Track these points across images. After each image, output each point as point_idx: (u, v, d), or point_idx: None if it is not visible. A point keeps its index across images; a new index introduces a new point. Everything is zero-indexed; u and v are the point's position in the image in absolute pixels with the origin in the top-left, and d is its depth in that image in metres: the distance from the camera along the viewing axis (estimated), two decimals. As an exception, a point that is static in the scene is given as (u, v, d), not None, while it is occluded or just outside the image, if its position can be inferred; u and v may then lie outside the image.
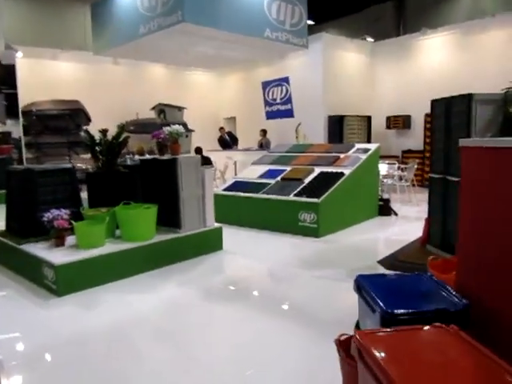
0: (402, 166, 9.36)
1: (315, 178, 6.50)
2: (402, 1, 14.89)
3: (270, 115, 13.39)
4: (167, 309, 3.65)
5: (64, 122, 10.32)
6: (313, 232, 5.92)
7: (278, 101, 13.05)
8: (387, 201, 7.40)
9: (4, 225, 5.23)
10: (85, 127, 10.87)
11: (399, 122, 11.90)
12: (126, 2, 7.98)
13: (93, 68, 12.60)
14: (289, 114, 12.74)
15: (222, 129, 13.37)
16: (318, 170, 6.75)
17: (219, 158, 11.64)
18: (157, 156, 5.16)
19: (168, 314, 3.54)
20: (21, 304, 3.83)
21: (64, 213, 4.55)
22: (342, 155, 7.10)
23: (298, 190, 6.29)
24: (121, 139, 5.22)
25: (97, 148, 5.16)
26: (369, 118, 12.28)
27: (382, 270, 4.51)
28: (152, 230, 4.70)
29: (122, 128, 5.33)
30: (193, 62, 10.40)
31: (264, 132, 12.70)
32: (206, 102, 14.77)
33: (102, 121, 10.45)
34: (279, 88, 12.98)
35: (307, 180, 6.55)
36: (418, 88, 11.62)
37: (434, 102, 4.91)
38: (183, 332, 3.21)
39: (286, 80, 12.66)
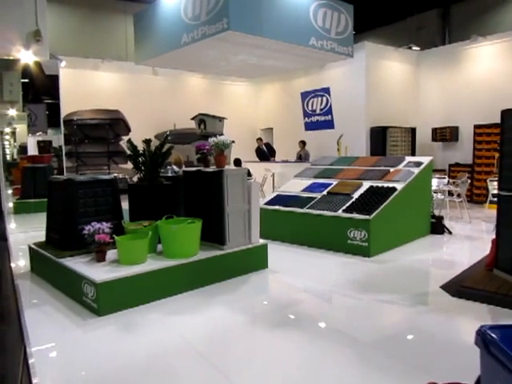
0: (453, 180, 8.81)
1: (365, 193, 6.11)
2: (447, 9, 14.36)
3: (310, 126, 13.08)
4: (212, 335, 3.35)
5: (104, 131, 10.32)
6: (363, 251, 5.52)
7: (318, 111, 12.73)
8: (440, 218, 6.90)
9: (44, 236, 5.10)
10: (125, 137, 10.87)
11: (446, 134, 11.33)
12: (168, 11, 7.88)
13: (132, 78, 12.66)
14: (329, 125, 12.39)
15: (259, 140, 13.14)
16: (366, 185, 6.36)
17: (257, 169, 11.39)
18: (201, 168, 4.91)
19: (214, 341, 3.23)
20: (59, 322, 3.61)
21: (106, 226, 4.35)
22: (392, 169, 6.69)
23: (347, 205, 5.91)
24: (164, 150, 5.01)
25: (139, 159, 4.97)
26: (413, 130, 11.76)
27: (446, 297, 4.08)
28: (196, 246, 4.43)
29: (166, 138, 5.12)
30: (232, 72, 10.21)
31: (303, 143, 12.37)
32: (242, 113, 14.61)
33: (141, 131, 10.44)
34: (319, 98, 12.67)
35: (356, 195, 6.17)
36: (466, 98, 11.07)
37: (506, 113, 4.45)
38: (231, 363, 2.89)
39: (326, 90, 12.35)
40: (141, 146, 5.01)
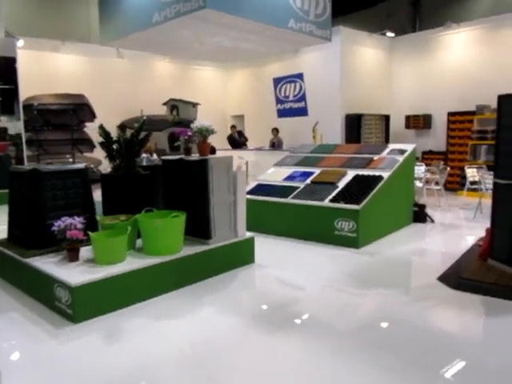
0: (429, 167, 8.77)
1: (350, 182, 5.88)
2: (418, -4, 14.33)
3: (282, 113, 12.80)
4: (202, 340, 3.02)
5: (67, 117, 9.61)
6: (351, 242, 5.31)
7: (291, 98, 12.47)
8: (423, 206, 6.80)
9: (5, 232, 4.58)
10: (89, 123, 10.22)
11: (419, 122, 11.31)
12: (137, -12, 7.31)
13: (96, 61, 11.91)
14: (302, 111, 12.15)
15: (233, 127, 12.73)
16: (351, 173, 6.14)
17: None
18: (183, 156, 4.51)
19: (204, 347, 2.90)
20: (28, 332, 3.18)
21: (78, 221, 3.90)
22: (375, 157, 6.49)
23: (333, 195, 5.67)
24: (141, 136, 4.58)
25: (113, 146, 4.52)
26: (387, 117, 11.68)
27: (445, 289, 3.91)
28: (180, 241, 4.06)
29: (142, 124, 4.68)
30: (205, 55, 9.72)
31: (276, 131, 12.08)
32: (212, 99, 14.11)
33: (106, 117, 9.79)
34: (292, 85, 12.40)
35: (341, 184, 5.93)
36: (439, 86, 11.05)
37: (504, 98, 4.28)
38: (225, 372, 2.58)
39: (299, 76, 12.08)
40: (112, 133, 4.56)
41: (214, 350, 2.88)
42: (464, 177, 9.24)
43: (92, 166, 10.28)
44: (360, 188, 5.64)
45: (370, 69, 11.70)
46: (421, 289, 3.99)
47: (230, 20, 6.65)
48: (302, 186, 6.18)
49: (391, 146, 6.78)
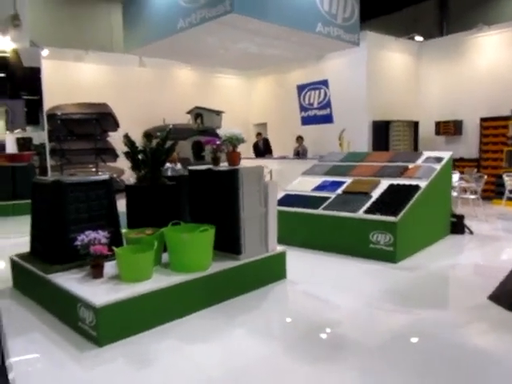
0: (464, 175, 8.36)
1: (385, 192, 5.57)
2: (445, 0, 13.93)
3: (306, 121, 12.52)
4: (235, 366, 2.76)
5: (91, 126, 9.55)
6: (388, 256, 4.98)
7: (316, 105, 12.18)
8: (461, 217, 6.42)
9: (28, 245, 4.42)
10: (113, 133, 10.14)
11: (450, 128, 10.90)
12: (161, -5, 7.20)
13: (118, 70, 11.91)
14: (327, 119, 11.85)
15: (259, 134, 12.49)
16: (385, 182, 5.82)
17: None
18: (211, 166, 4.29)
19: (237, 375, 2.64)
20: (50, 355, 2.97)
21: (102, 235, 3.70)
22: (410, 165, 6.16)
23: (367, 205, 5.36)
24: (167, 146, 4.38)
25: (139, 156, 4.32)
26: (416, 124, 11.30)
27: (500, 310, 3.56)
28: (209, 257, 3.82)
29: (168, 133, 4.48)
30: (229, 62, 9.56)
31: (301, 139, 11.80)
32: (235, 108, 13.95)
33: (128, 126, 9.69)
34: (316, 92, 12.12)
35: (375, 194, 5.62)
36: (470, 90, 10.65)
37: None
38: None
39: (324, 83, 11.79)
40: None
41: (248, 379, 2.61)
42: (500, 185, 8.80)
43: (115, 175, 10.18)
44: (396, 198, 5.32)
45: (397, 74, 11.36)
46: (471, 309, 3.64)
47: (256, 25, 6.46)
48: (332, 196, 5.89)
49: (426, 154, 6.44)
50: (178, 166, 9.25)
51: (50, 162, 8.91)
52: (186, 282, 3.55)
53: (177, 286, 3.48)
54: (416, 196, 5.31)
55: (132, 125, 10.27)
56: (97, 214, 4.19)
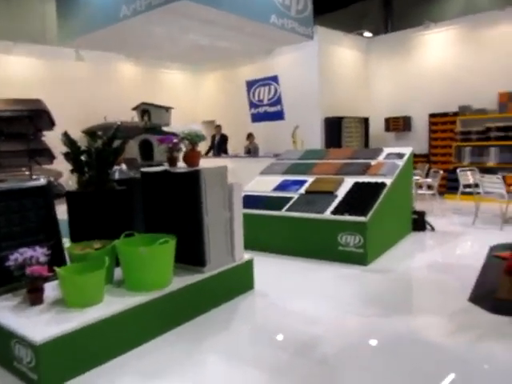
0: (418, 171, 8.37)
1: (351, 191, 5.31)
2: (389, -2, 14.11)
3: (257, 117, 12.13)
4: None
5: (23, 125, 8.59)
6: (358, 258, 4.72)
7: (266, 102, 11.83)
8: (422, 214, 6.32)
9: None
10: (47, 132, 9.22)
11: (399, 124, 10.98)
12: (101, -20, 6.52)
13: (52, 64, 10.92)
14: (278, 116, 11.53)
15: (217, 127, 11.91)
16: (349, 181, 5.57)
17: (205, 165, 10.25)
18: (167, 167, 3.78)
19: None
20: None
21: (40, 253, 3.11)
22: (372, 162, 5.96)
23: (334, 205, 5.07)
24: (115, 145, 3.82)
25: (82, 158, 3.74)
26: (366, 120, 11.28)
27: (482, 313, 3.37)
28: (169, 272, 3.33)
29: (116, 130, 3.92)
30: (176, 55, 8.99)
31: (251, 136, 11.43)
32: (182, 104, 13.24)
33: (64, 125, 8.84)
34: (266, 88, 11.76)
35: (340, 193, 5.35)
36: (418, 87, 10.77)
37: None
38: None
39: (274, 79, 11.45)
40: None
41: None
42: (452, 180, 8.91)
43: (52, 179, 9.28)
44: (363, 197, 5.07)
45: (348, 70, 11.28)
46: (454, 315, 3.42)
47: (207, 14, 5.99)
48: (295, 196, 5.56)
49: (387, 150, 6.27)
50: (123, 166, 8.57)
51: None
52: (145, 303, 3.04)
53: (134, 308, 2.97)
54: (383, 194, 5.09)
55: (69, 123, 9.36)
56: (33, 227, 3.57)
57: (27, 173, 8.65)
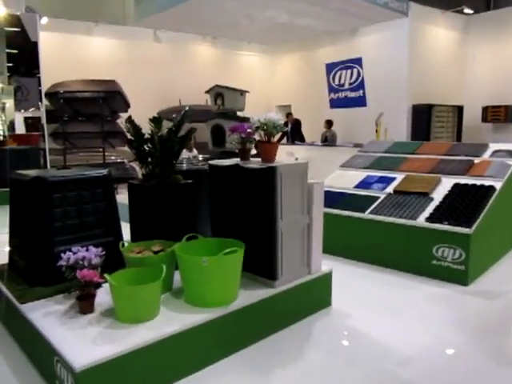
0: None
1: (450, 194, 4.49)
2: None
3: (336, 103, 11.39)
4: None
5: (97, 106, 8.57)
6: (457, 276, 3.95)
7: (347, 86, 11.04)
8: (533, 223, 5.31)
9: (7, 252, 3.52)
10: (123, 114, 9.15)
11: (500, 114, 9.65)
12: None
13: (131, 45, 10.87)
14: (360, 102, 10.71)
15: (289, 115, 11.35)
16: (447, 181, 4.74)
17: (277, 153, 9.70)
18: (238, 161, 3.28)
19: None
20: None
21: (94, 253, 2.76)
22: (476, 160, 5.06)
23: (429, 210, 4.31)
24: (182, 133, 3.38)
25: (144, 147, 3.34)
26: (460, 109, 10.06)
27: None
28: (235, 287, 2.84)
29: (184, 116, 3.48)
30: (253, 35, 8.48)
31: (329, 123, 10.68)
32: (257, 87, 12.76)
33: (140, 107, 8.71)
34: (348, 71, 10.95)
35: (437, 195, 4.55)
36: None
37: None
38: None
39: (358, 61, 10.60)
40: (145, 127, 3.37)
41: None
42: None
43: (126, 160, 9.25)
44: (466, 202, 4.25)
45: (441, 52, 10.10)
46: None
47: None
48: (381, 195, 4.84)
49: (494, 146, 5.31)
50: (195, 152, 8.28)
51: (52, 146, 7.99)
52: (207, 322, 2.58)
53: (195, 328, 2.52)
54: (491, 200, 4.24)
55: (144, 105, 9.31)
56: (91, 221, 3.26)
57: (101, 154, 8.64)
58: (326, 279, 3.44)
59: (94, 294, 2.68)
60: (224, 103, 8.15)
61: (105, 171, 3.38)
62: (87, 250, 2.78)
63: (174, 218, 3.24)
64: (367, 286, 4.04)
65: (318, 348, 2.90)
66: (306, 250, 3.26)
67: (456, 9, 10.00)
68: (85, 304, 2.65)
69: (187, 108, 3.57)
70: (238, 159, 3.33)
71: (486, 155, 5.16)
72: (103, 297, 2.76)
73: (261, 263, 3.09)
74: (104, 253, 2.83)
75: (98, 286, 2.72)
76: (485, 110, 9.86)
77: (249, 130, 3.17)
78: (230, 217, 3.27)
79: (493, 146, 5.33)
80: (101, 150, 8.67)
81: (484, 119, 9.91)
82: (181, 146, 3.35)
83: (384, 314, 3.43)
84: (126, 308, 2.51)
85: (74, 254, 2.75)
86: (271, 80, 13.37)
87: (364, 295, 3.81)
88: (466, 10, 9.98)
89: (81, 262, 2.72)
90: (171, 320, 2.55)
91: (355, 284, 4.06)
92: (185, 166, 4.08)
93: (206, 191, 3.42)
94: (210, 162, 3.43)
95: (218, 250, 2.77)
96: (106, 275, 2.51)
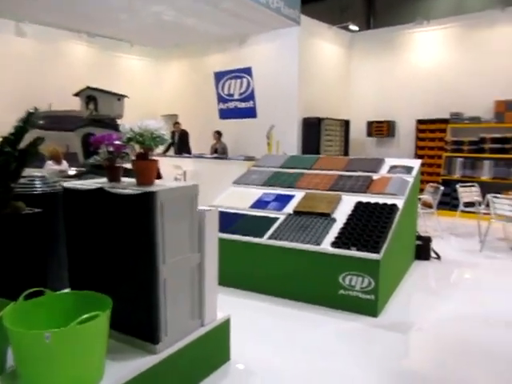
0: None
1: (354, 214, 4.13)
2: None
3: (225, 114, 10.84)
4: None
5: None
6: (367, 307, 3.56)
7: (237, 96, 10.57)
8: (428, 240, 5.26)
9: None
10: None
11: (383, 129, 9.99)
12: None
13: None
14: (250, 113, 10.29)
15: (176, 124, 10.55)
16: (349, 199, 4.41)
17: (162, 167, 8.82)
18: (104, 184, 2.44)
19: None
20: None
21: None
22: (374, 176, 4.84)
23: (334, 234, 3.88)
24: (21, 145, 2.46)
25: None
26: (347, 123, 10.22)
27: None
28: (100, 364, 2.01)
29: (27, 119, 2.56)
30: (134, 33, 7.59)
31: (219, 134, 10.13)
32: (139, 95, 11.72)
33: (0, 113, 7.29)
34: (238, 81, 10.50)
35: (339, 216, 4.17)
36: (407, 90, 9.80)
37: None
38: None
39: (247, 71, 10.18)
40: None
41: None
42: (445, 194, 7.96)
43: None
44: (372, 224, 3.91)
45: (329, 66, 10.17)
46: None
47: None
48: (281, 217, 4.33)
49: (390, 161, 5.17)
50: (64, 165, 7.09)
51: None
52: (48, 432, 1.72)
53: None
54: (396, 220, 3.96)
55: (5, 110, 7.80)
56: None
57: None
58: (223, 329, 2.76)
59: None
60: (97, 108, 7.06)
61: None
62: None
63: (11, 265, 2.30)
64: (269, 326, 3.44)
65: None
66: (197, 297, 2.54)
67: (342, 25, 10.17)
68: None
69: (33, 110, 2.64)
70: (105, 179, 2.51)
71: (384, 171, 4.98)
72: None
73: (137, 322, 2.30)
74: None
75: None
76: (370, 124, 10.14)
77: (117, 142, 2.37)
78: (93, 261, 2.42)
79: (388, 161, 5.19)
80: None
81: (369, 133, 10.18)
82: (21, 163, 2.42)
83: (296, 364, 2.85)
84: None
85: None
86: (157, 87, 12.43)
87: (267, 342, 3.19)
88: (352, 27, 10.22)
89: None
90: None
91: (254, 324, 3.44)
92: (39, 189, 3.11)
93: (60, 223, 2.53)
94: (65, 184, 2.54)
95: (74, 311, 1.94)
96: None
